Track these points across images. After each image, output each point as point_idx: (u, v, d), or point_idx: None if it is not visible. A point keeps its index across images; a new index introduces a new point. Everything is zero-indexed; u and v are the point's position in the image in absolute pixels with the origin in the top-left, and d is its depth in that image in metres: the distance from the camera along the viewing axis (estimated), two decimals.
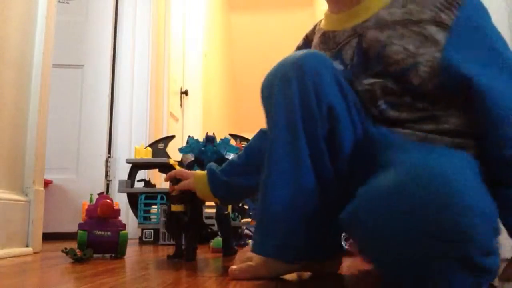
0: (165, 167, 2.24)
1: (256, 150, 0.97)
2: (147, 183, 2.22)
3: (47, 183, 2.17)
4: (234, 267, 0.81)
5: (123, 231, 1.25)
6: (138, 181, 2.22)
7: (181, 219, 1.11)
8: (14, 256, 1.31)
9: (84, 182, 2.46)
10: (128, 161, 2.27)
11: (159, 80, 2.94)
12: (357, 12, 0.86)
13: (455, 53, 0.74)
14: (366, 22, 0.83)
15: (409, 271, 0.57)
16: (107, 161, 2.55)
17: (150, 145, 2.32)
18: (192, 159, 1.51)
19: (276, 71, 0.79)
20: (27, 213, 1.46)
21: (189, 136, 1.59)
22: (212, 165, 1.04)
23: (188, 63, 3.81)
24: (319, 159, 0.76)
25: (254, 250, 0.80)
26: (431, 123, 0.76)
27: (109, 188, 2.53)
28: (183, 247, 1.17)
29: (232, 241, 1.36)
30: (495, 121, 0.70)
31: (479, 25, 0.77)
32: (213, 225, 1.63)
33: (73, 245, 1.22)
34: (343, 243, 1.16)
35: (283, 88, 0.76)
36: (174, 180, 1.10)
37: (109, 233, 1.23)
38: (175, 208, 1.11)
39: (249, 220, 1.97)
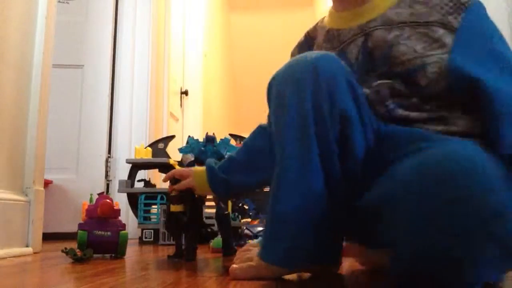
0: (165, 167, 2.24)
1: (257, 148, 0.97)
2: (147, 183, 2.22)
3: (47, 183, 2.17)
4: (235, 266, 0.81)
5: (123, 231, 1.25)
6: (138, 181, 2.22)
7: (181, 219, 1.11)
8: (14, 256, 1.31)
9: (84, 182, 2.46)
10: (128, 161, 2.27)
11: (159, 80, 2.94)
12: (363, 11, 0.85)
13: (462, 55, 0.75)
14: (372, 21, 0.83)
15: (441, 253, 0.55)
16: (107, 161, 2.55)
17: (150, 145, 2.32)
18: (192, 159, 1.51)
19: (288, 71, 0.76)
20: (27, 213, 1.46)
21: (189, 136, 1.59)
22: (211, 161, 1.03)
23: (188, 63, 3.81)
24: (330, 164, 0.74)
25: (261, 256, 0.78)
26: (440, 124, 0.76)
27: (109, 188, 2.53)
28: (183, 247, 1.17)
29: (232, 241, 1.36)
30: (501, 121, 0.71)
31: (484, 28, 0.78)
32: (213, 225, 1.63)
33: (73, 245, 1.22)
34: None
35: (297, 90, 0.73)
36: (173, 180, 1.09)
37: (109, 233, 1.23)
38: (175, 208, 1.11)
39: (249, 220, 1.97)
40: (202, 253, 1.39)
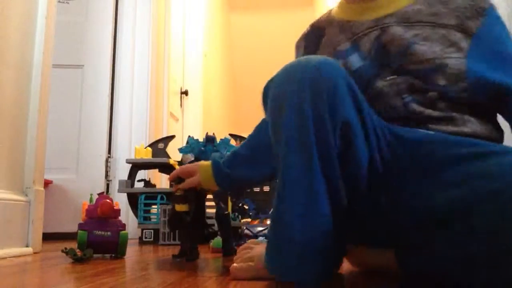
0: (165, 167, 2.24)
1: (261, 142, 0.96)
2: (147, 183, 2.22)
3: (47, 183, 2.17)
4: (235, 265, 0.81)
5: (123, 231, 1.25)
6: (138, 181, 2.22)
7: (185, 219, 1.10)
8: (14, 256, 1.31)
9: (84, 182, 2.46)
10: (128, 161, 2.27)
11: (159, 80, 2.94)
12: (378, 5, 0.85)
13: (478, 61, 0.76)
14: (389, 16, 0.82)
15: None
16: (107, 161, 2.55)
17: (150, 145, 2.32)
18: (192, 159, 1.51)
19: (289, 72, 0.72)
20: (27, 213, 1.46)
21: (189, 136, 1.59)
22: (216, 155, 1.03)
23: (188, 63, 3.81)
24: (329, 167, 0.70)
25: (268, 270, 0.74)
26: (450, 124, 0.76)
27: (109, 188, 2.53)
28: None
29: (232, 241, 1.36)
30: None
31: (499, 33, 0.78)
32: (213, 225, 1.63)
33: (73, 245, 1.22)
34: None
35: (297, 90, 0.69)
36: (177, 180, 1.09)
37: (109, 233, 1.23)
38: (180, 208, 1.10)
39: (249, 220, 1.97)
40: (202, 253, 1.39)
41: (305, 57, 0.73)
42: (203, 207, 1.17)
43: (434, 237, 0.67)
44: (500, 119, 0.82)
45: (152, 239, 2.02)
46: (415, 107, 0.77)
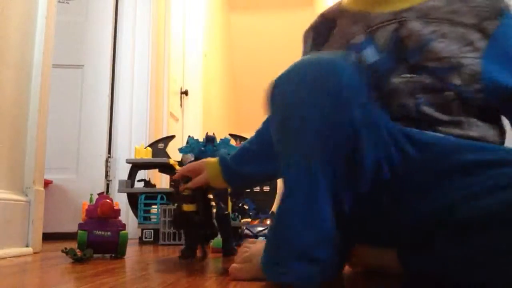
0: (165, 167, 2.24)
1: (270, 138, 0.94)
2: (147, 183, 2.22)
3: (47, 183, 2.17)
4: (235, 265, 0.81)
5: (123, 231, 1.25)
6: (138, 181, 2.22)
7: (193, 219, 1.07)
8: (14, 256, 1.31)
9: (84, 182, 2.46)
10: (128, 161, 2.27)
11: (159, 80, 2.94)
12: None
13: (493, 62, 0.75)
14: (407, 11, 0.81)
15: None
16: (107, 161, 2.55)
17: (150, 145, 2.32)
18: (192, 159, 1.51)
19: (302, 69, 0.67)
20: (27, 213, 1.46)
21: (189, 136, 1.59)
22: (224, 152, 1.02)
23: (188, 63, 3.81)
24: (339, 182, 0.67)
25: (267, 275, 0.71)
26: (457, 128, 0.76)
27: (109, 188, 2.53)
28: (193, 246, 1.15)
29: (232, 241, 1.36)
30: None
31: None
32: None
33: (73, 245, 1.22)
34: None
35: (313, 90, 0.65)
36: (184, 179, 1.05)
37: (109, 233, 1.23)
38: (187, 208, 1.06)
39: (249, 220, 1.97)
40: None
41: (314, 54, 0.70)
42: (210, 205, 1.13)
43: (434, 237, 0.67)
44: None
45: (152, 239, 2.02)
46: (425, 109, 0.76)
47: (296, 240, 0.65)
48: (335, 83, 0.64)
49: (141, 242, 2.04)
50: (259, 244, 0.83)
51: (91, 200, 1.32)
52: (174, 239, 1.84)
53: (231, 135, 2.08)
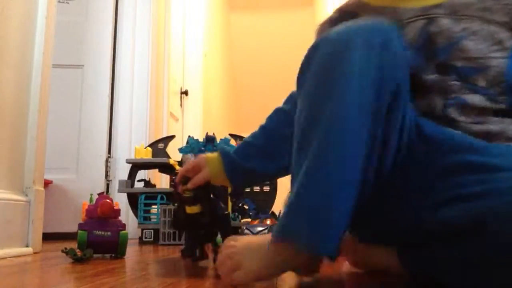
0: (165, 167, 2.24)
1: (277, 131, 0.90)
2: (147, 183, 2.22)
3: (47, 183, 2.17)
4: (220, 274, 0.74)
5: (123, 231, 1.25)
6: (138, 181, 2.22)
7: (199, 221, 0.98)
8: (14, 256, 1.31)
9: (84, 182, 2.46)
10: (128, 161, 2.27)
11: (159, 80, 2.94)
12: None
13: None
14: (438, 7, 0.79)
15: None
16: (107, 161, 2.55)
17: (150, 145, 2.32)
18: (192, 159, 1.51)
19: (353, 31, 0.65)
20: (27, 213, 1.46)
21: (189, 136, 1.59)
22: (226, 148, 0.94)
23: (188, 63, 3.81)
24: (370, 158, 0.66)
25: (281, 234, 0.67)
26: (479, 124, 0.74)
27: (109, 188, 2.53)
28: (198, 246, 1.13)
29: None
30: None
31: None
32: None
33: (73, 245, 1.22)
34: None
35: (365, 56, 0.63)
36: (184, 180, 0.97)
37: (109, 233, 1.23)
38: (191, 210, 0.97)
39: (249, 220, 1.97)
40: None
41: (367, 20, 0.68)
42: (215, 203, 1.06)
43: (434, 238, 0.67)
44: None
45: (152, 239, 2.03)
46: (451, 111, 0.75)
47: (333, 206, 0.62)
48: (387, 39, 0.65)
49: (141, 242, 2.04)
50: (242, 239, 0.75)
51: (91, 200, 1.32)
52: (174, 239, 1.84)
53: (231, 135, 2.08)
